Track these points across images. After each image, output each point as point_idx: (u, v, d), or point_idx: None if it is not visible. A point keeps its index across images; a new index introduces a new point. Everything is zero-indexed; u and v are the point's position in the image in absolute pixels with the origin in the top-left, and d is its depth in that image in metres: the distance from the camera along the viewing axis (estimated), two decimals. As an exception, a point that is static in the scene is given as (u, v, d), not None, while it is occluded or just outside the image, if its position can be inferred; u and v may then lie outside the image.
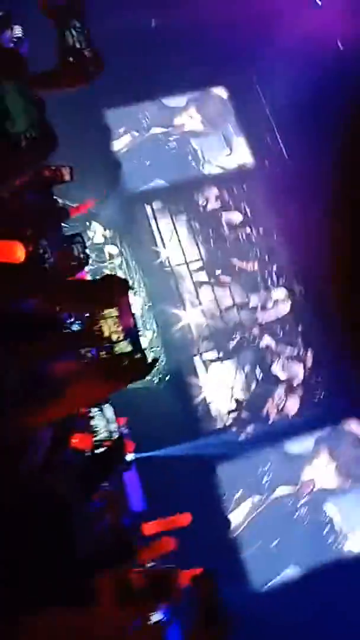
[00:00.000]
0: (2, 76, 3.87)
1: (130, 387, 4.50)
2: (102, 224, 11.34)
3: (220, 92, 12.37)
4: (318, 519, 10.54)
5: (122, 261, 11.45)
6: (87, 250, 10.88)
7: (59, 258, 5.96)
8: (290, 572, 10.01)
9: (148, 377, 10.79)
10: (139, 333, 4.31)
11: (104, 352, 4.24)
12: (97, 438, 5.79)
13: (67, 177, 6.53)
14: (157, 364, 4.52)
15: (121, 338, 4.28)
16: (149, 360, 4.40)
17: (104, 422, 6.03)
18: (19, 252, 4.09)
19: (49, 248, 5.48)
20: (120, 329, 4.30)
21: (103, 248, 11.40)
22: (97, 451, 5.70)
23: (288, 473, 10.73)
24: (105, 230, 11.37)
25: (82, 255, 6.45)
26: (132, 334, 4.30)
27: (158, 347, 11.14)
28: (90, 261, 7.21)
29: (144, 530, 6.60)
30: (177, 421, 10.51)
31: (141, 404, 9.28)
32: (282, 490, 10.61)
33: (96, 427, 5.79)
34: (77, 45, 4.16)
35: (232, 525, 10.33)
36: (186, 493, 9.50)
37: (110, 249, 11.46)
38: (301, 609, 8.99)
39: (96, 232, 11.33)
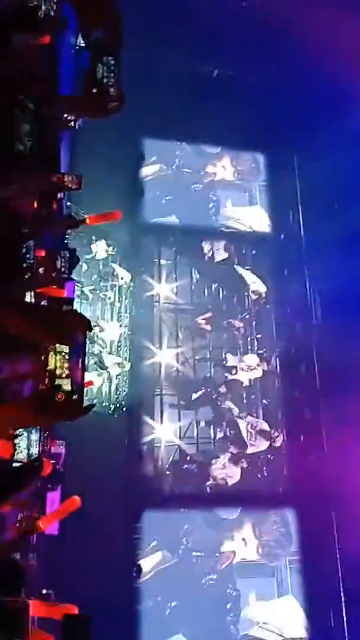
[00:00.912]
0: (28, 98, 3.98)
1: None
2: (109, 242, 11.41)
3: (258, 157, 12.64)
4: (225, 592, 10.33)
5: (116, 284, 11.48)
6: (93, 271, 10.94)
7: (40, 263, 5.98)
8: (177, 640, 9.77)
9: (105, 404, 10.79)
10: (84, 377, 4.31)
11: (42, 384, 4.25)
12: (16, 456, 5.75)
13: (74, 186, 6.54)
14: (91, 410, 4.49)
15: (64, 376, 4.30)
16: (84, 405, 4.41)
17: (26, 443, 6.00)
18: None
19: (33, 250, 5.49)
20: (66, 366, 4.32)
21: (104, 265, 11.44)
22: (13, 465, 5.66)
23: (210, 538, 10.56)
24: (109, 248, 11.43)
25: (63, 270, 6.46)
26: (76, 375, 4.31)
27: (125, 377, 11.09)
28: (71, 276, 7.14)
29: (40, 524, 6.49)
30: (119, 454, 10.42)
31: (88, 428, 9.20)
32: (199, 553, 10.43)
33: (18, 446, 5.76)
34: (104, 80, 4.31)
35: (138, 572, 10.11)
36: (104, 528, 9.38)
37: (110, 268, 11.51)
38: None
39: (100, 248, 11.39)
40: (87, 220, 8.07)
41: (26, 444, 6.03)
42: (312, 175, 11.23)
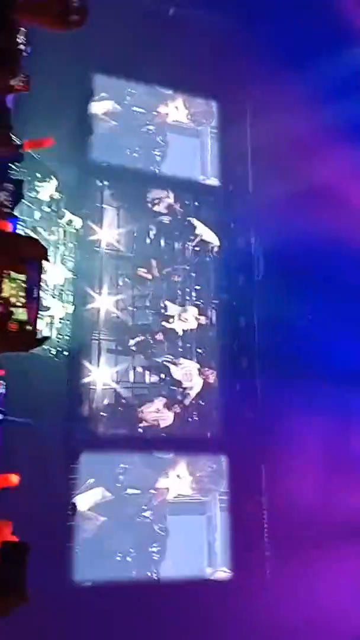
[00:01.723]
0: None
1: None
2: (56, 184, 11.03)
3: (211, 103, 12.47)
4: (154, 531, 10.74)
5: (59, 228, 11.19)
6: (35, 209, 10.55)
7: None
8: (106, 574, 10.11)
9: (45, 347, 10.66)
10: (40, 308, 4.26)
11: (-4, 310, 4.15)
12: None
13: (22, 88, 6.13)
14: (45, 342, 4.47)
15: (19, 304, 4.22)
16: (39, 336, 4.38)
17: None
18: None
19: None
20: (22, 295, 4.24)
21: (48, 205, 11.09)
22: None
23: (145, 478, 10.91)
24: (55, 191, 11.06)
25: (6, 204, 6.23)
26: (31, 305, 4.25)
27: (68, 321, 10.99)
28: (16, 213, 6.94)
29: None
30: (58, 396, 10.42)
31: (29, 370, 9.13)
32: (133, 491, 10.76)
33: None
34: None
35: (73, 510, 10.29)
36: (42, 468, 9.44)
37: (55, 207, 11.15)
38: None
39: (45, 189, 11.00)
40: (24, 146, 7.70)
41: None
42: (264, 128, 11.18)
